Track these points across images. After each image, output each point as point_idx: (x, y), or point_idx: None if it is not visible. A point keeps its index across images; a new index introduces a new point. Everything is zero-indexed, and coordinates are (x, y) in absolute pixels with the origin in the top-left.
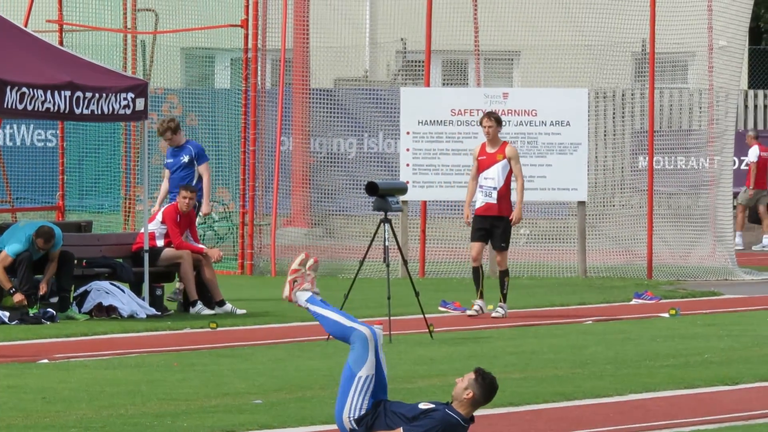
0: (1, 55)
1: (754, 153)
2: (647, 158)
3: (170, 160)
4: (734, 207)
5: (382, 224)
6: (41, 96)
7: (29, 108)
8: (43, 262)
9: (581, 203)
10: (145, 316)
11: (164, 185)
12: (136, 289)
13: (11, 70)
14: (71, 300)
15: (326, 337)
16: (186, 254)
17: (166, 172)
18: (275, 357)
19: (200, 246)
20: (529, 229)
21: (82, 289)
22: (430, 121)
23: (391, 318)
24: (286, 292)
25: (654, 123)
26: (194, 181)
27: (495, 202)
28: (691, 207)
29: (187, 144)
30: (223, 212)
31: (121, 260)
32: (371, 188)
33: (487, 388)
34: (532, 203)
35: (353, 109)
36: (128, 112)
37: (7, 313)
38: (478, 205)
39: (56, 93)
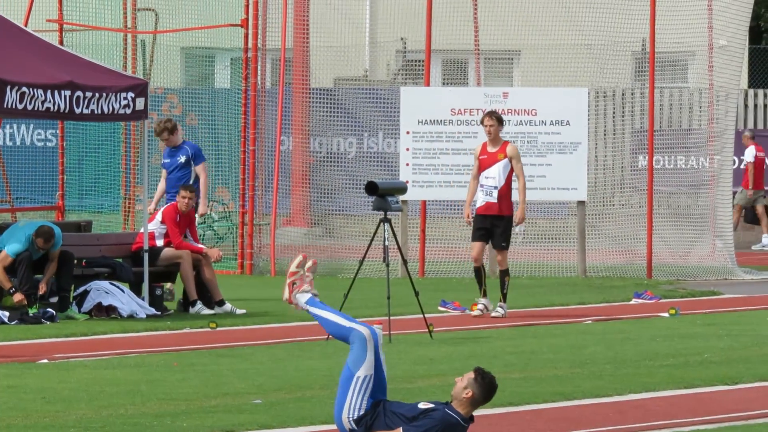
0: (1, 54)
1: (750, 153)
2: (647, 158)
3: (167, 161)
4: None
5: (381, 224)
6: (41, 96)
7: (29, 108)
8: (42, 262)
9: (581, 203)
10: (144, 315)
11: (161, 185)
12: (136, 289)
13: (11, 69)
14: (71, 300)
15: (326, 337)
16: (186, 254)
17: (164, 172)
18: (275, 357)
19: (200, 246)
20: (523, 227)
21: (81, 289)
22: (430, 120)
23: (391, 318)
24: (286, 294)
25: (654, 122)
26: (191, 182)
27: (495, 201)
28: (691, 206)
29: (184, 144)
30: (223, 212)
31: (120, 260)
32: (371, 188)
33: (486, 387)
34: (531, 203)
35: (353, 108)
36: (128, 111)
37: (7, 313)
38: (478, 204)
39: (56, 93)
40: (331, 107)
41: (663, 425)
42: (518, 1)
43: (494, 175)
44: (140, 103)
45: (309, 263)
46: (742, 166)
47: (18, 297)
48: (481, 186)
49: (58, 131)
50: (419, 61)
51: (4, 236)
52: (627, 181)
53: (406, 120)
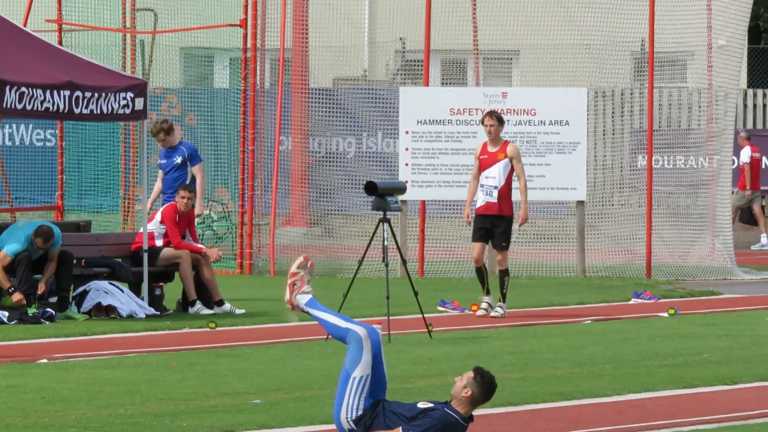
0: (1, 54)
1: (746, 154)
2: (646, 157)
3: (163, 161)
4: None
5: (381, 224)
6: (40, 96)
7: (28, 108)
8: (42, 262)
9: (580, 203)
10: (144, 315)
11: (157, 185)
12: (135, 289)
13: (10, 69)
14: (70, 300)
15: (325, 337)
16: (185, 254)
17: (160, 173)
18: (274, 357)
19: (199, 246)
20: (517, 225)
21: (81, 289)
22: (429, 120)
23: (390, 318)
24: (287, 295)
25: (653, 122)
26: (187, 182)
27: (495, 201)
28: (690, 206)
29: (181, 145)
30: (222, 212)
31: (120, 260)
32: (370, 188)
33: (485, 386)
34: (531, 203)
35: (352, 108)
36: (127, 111)
37: (7, 313)
38: (479, 204)
39: (55, 92)
40: (330, 107)
41: (662, 425)
42: (517, 1)
43: (494, 174)
44: (139, 103)
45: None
46: (737, 167)
47: (17, 297)
48: (482, 186)
49: (57, 131)
50: (418, 61)
51: (4, 236)
52: (626, 181)
53: (405, 120)
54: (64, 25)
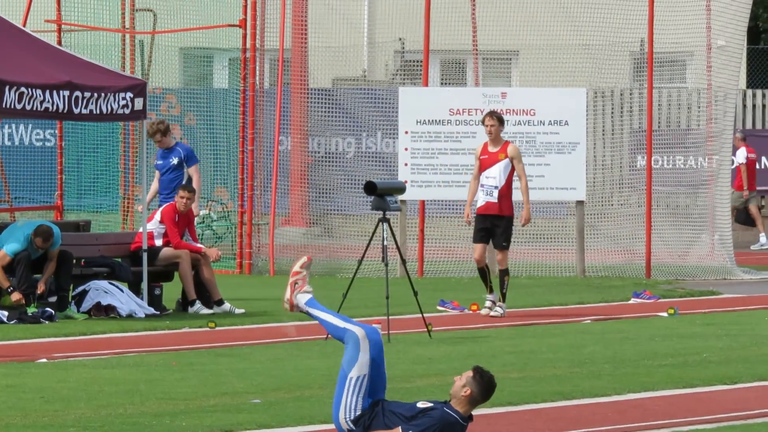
0: (0, 54)
1: (742, 155)
2: (645, 157)
3: (160, 162)
4: None
5: (380, 223)
6: (40, 96)
7: (28, 108)
8: (42, 262)
9: (580, 203)
10: (143, 315)
11: (154, 186)
12: (135, 289)
13: (10, 69)
14: (70, 299)
15: (325, 336)
16: (184, 254)
17: (157, 174)
18: (274, 356)
19: (198, 245)
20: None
21: (80, 289)
22: (429, 120)
23: (390, 317)
24: (288, 294)
25: (652, 122)
26: (183, 183)
27: (496, 201)
28: (690, 206)
29: (177, 146)
30: (222, 211)
31: (119, 260)
32: (370, 188)
33: (485, 385)
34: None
35: (351, 108)
36: (127, 111)
37: (6, 313)
38: (479, 204)
39: (55, 93)
40: (329, 107)
41: (662, 425)
42: (517, 1)
43: (495, 174)
44: (139, 103)
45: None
46: (734, 167)
47: (16, 296)
48: (482, 186)
49: (56, 131)
50: (417, 61)
51: (3, 236)
52: (626, 181)
53: (405, 120)
54: (63, 26)
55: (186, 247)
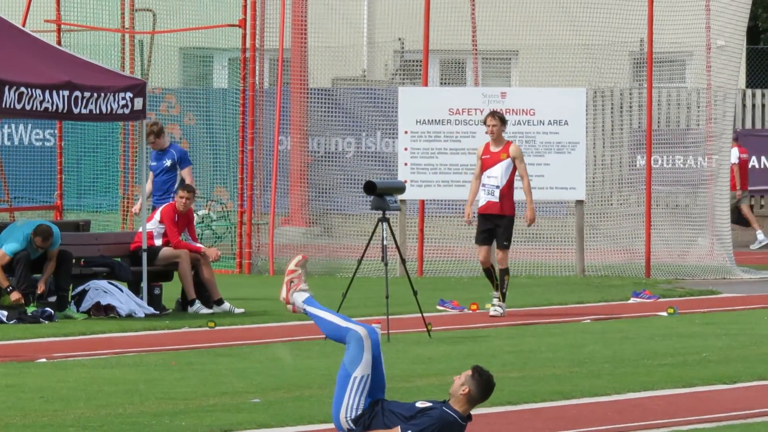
0: (0, 55)
1: (734, 155)
2: (645, 157)
3: (153, 164)
4: None
5: (380, 223)
6: (40, 96)
7: (28, 108)
8: (41, 261)
9: (579, 202)
10: (143, 315)
11: (147, 187)
12: (135, 289)
13: (10, 69)
14: (69, 299)
15: (324, 336)
16: (184, 253)
17: (150, 175)
18: (273, 356)
19: (198, 245)
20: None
21: (80, 288)
22: (428, 120)
23: (390, 317)
24: (283, 293)
25: (652, 122)
26: (176, 186)
27: (497, 200)
28: (690, 206)
29: (170, 148)
30: (221, 211)
31: (119, 259)
32: (369, 187)
33: (483, 384)
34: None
35: (351, 108)
36: (126, 111)
37: (5, 312)
38: (481, 203)
39: (54, 93)
40: (329, 107)
41: (662, 424)
42: (516, 1)
43: (497, 174)
44: (138, 103)
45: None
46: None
47: (15, 296)
48: (483, 185)
49: (56, 131)
50: (417, 61)
51: (3, 235)
52: (625, 180)
53: (404, 120)
54: (63, 26)
55: (185, 247)
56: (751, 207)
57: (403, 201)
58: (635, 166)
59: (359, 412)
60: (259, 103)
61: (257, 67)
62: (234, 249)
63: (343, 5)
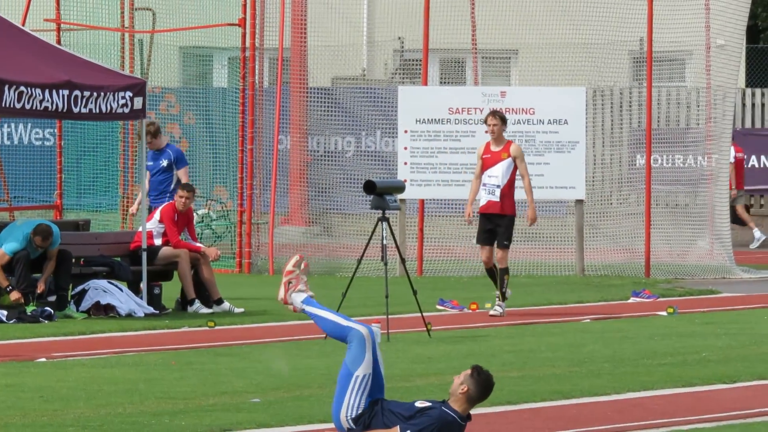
0: (0, 54)
1: (731, 154)
2: (645, 156)
3: (150, 163)
4: None
5: (379, 222)
6: (39, 95)
7: (27, 107)
8: (41, 261)
9: (579, 202)
10: (143, 314)
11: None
12: (134, 288)
13: (9, 69)
14: (69, 299)
15: (324, 335)
16: (183, 253)
17: (147, 174)
18: (273, 356)
19: (198, 245)
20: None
21: (80, 288)
22: (428, 119)
23: (389, 316)
24: (282, 294)
25: (651, 121)
26: (172, 186)
27: (498, 200)
28: (689, 205)
29: (167, 148)
30: (221, 211)
31: (119, 259)
32: (369, 187)
33: (482, 383)
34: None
35: (351, 107)
36: (126, 110)
37: (5, 312)
38: (482, 203)
39: (54, 92)
40: (328, 106)
41: (661, 424)
42: (516, 0)
43: (497, 173)
44: (138, 103)
45: (301, 266)
46: None
47: (15, 295)
48: (484, 185)
49: (56, 130)
50: (417, 60)
51: (2, 235)
52: (625, 179)
53: (404, 119)
54: (62, 25)
55: (185, 247)
56: (749, 207)
57: (402, 200)
58: (635, 165)
59: (360, 412)
60: (259, 103)
61: (257, 67)
62: (234, 248)
63: (342, 4)
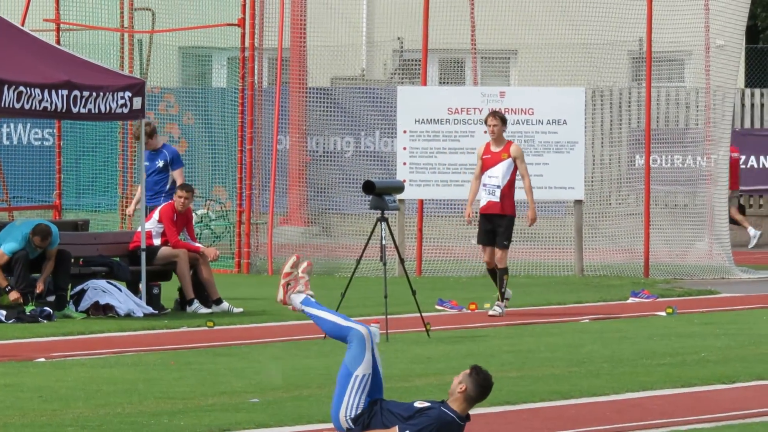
0: None
1: None
2: (644, 156)
3: (146, 164)
4: None
5: (378, 223)
6: (38, 95)
7: (27, 107)
8: (40, 261)
9: (578, 202)
10: (142, 314)
11: (141, 187)
12: (133, 288)
13: (9, 69)
14: (68, 298)
15: (323, 335)
16: (182, 253)
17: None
18: (272, 355)
19: (197, 245)
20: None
21: (79, 288)
22: (427, 119)
23: (388, 317)
24: (281, 295)
25: (651, 121)
26: (167, 186)
27: (498, 200)
28: (688, 205)
29: (163, 149)
30: (220, 211)
31: (117, 259)
32: (368, 187)
33: (481, 383)
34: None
35: (350, 107)
36: (125, 111)
37: (4, 312)
38: (482, 203)
39: (53, 92)
40: (328, 106)
41: (660, 424)
42: (515, 1)
43: (498, 174)
44: (137, 103)
45: (304, 264)
46: None
47: (14, 295)
48: (484, 185)
49: (55, 130)
50: (416, 60)
51: (1, 235)
52: (624, 180)
53: (403, 119)
54: (62, 25)
55: (184, 247)
56: (743, 207)
57: (401, 200)
58: (634, 165)
59: (359, 412)
60: (258, 103)
61: (256, 67)
62: (233, 248)
63: (342, 4)
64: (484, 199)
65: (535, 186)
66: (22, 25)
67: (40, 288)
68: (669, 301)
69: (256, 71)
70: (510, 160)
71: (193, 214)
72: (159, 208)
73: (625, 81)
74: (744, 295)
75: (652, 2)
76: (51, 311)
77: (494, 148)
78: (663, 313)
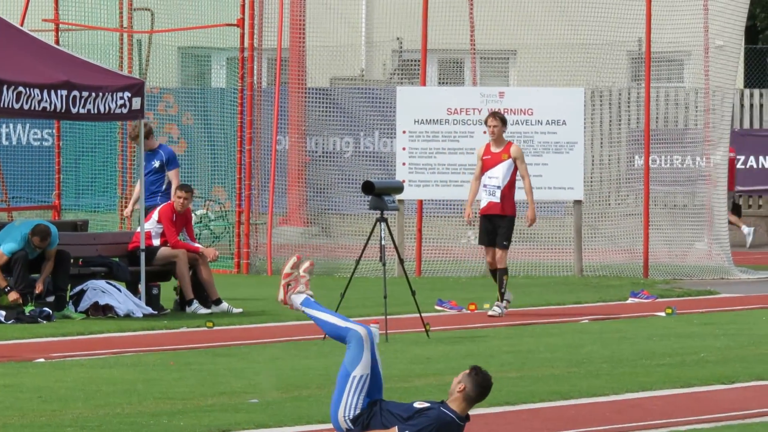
0: None
1: None
2: (643, 157)
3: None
4: None
5: (378, 223)
6: (38, 95)
7: (26, 107)
8: (39, 261)
9: (577, 202)
10: (141, 315)
11: (137, 187)
12: (133, 288)
13: (8, 69)
14: (67, 299)
15: (323, 336)
16: (182, 253)
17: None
18: (272, 356)
19: (196, 245)
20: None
21: (78, 288)
22: (426, 120)
23: (388, 317)
24: (281, 295)
25: (650, 122)
26: (164, 186)
27: (498, 201)
28: (688, 206)
29: (159, 149)
30: (220, 211)
31: (117, 259)
32: (367, 187)
33: (480, 383)
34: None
35: (349, 108)
36: (124, 111)
37: (3, 312)
38: (482, 204)
39: (53, 92)
40: (327, 107)
41: (660, 424)
42: (514, 1)
43: (498, 174)
44: (136, 103)
45: (306, 264)
46: None
47: (13, 296)
48: (484, 186)
49: (54, 131)
50: (415, 60)
51: (1, 235)
52: (623, 180)
53: (403, 119)
54: (61, 25)
55: (183, 247)
56: (738, 207)
57: (401, 201)
58: (633, 165)
59: (358, 412)
60: (257, 103)
61: (255, 67)
62: (232, 249)
63: (341, 5)
64: (484, 199)
65: (535, 186)
66: (21, 25)
67: (39, 288)
68: (668, 301)
69: (255, 71)
70: (510, 160)
71: (193, 215)
72: (158, 208)
73: (625, 81)
74: (743, 296)
75: (651, 2)
76: (50, 312)
77: (494, 149)
78: (662, 314)
